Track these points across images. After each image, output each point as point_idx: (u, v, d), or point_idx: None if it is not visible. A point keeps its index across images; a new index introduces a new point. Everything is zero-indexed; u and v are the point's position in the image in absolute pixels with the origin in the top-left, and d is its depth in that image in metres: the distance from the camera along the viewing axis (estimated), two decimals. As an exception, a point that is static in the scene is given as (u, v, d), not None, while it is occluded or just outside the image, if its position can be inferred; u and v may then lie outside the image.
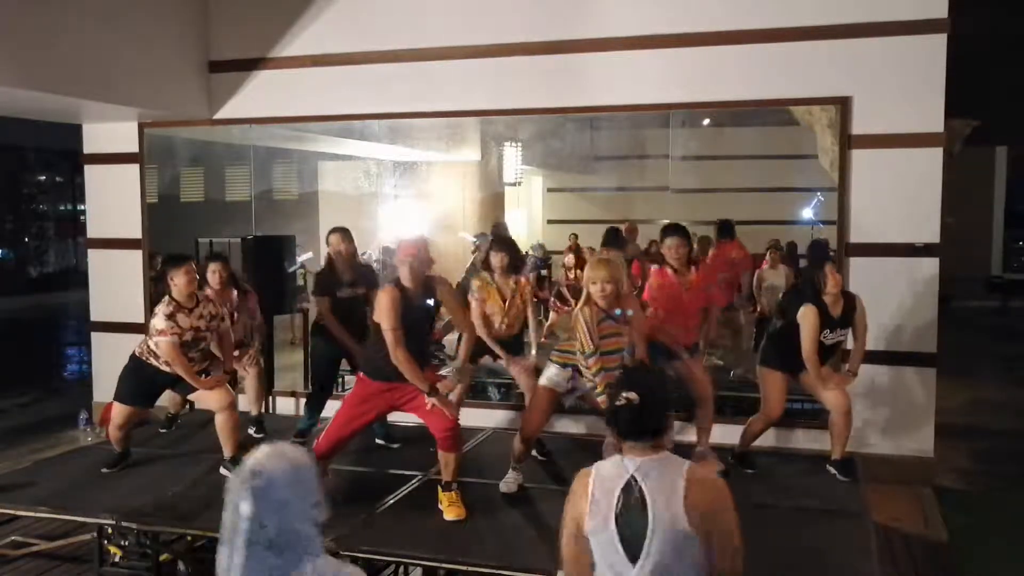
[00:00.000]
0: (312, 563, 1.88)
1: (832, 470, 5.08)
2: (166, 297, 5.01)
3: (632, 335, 4.56)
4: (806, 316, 4.90)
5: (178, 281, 4.93)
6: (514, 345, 5.50)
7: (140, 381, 5.08)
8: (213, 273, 5.74)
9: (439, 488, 4.49)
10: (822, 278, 4.91)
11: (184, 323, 4.94)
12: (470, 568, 3.93)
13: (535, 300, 5.67)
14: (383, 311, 4.33)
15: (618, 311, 4.47)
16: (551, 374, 4.63)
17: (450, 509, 4.39)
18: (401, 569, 4.50)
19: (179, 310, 4.94)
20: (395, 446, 5.70)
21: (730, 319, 7.75)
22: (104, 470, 5.22)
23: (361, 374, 4.62)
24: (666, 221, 5.67)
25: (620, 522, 2.32)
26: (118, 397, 5.12)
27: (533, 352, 5.57)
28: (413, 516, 4.43)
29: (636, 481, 2.33)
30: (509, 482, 4.75)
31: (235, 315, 5.84)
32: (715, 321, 5.58)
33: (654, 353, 4.83)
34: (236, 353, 5.69)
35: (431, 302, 4.53)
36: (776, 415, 5.16)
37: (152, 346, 5.03)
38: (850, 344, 5.15)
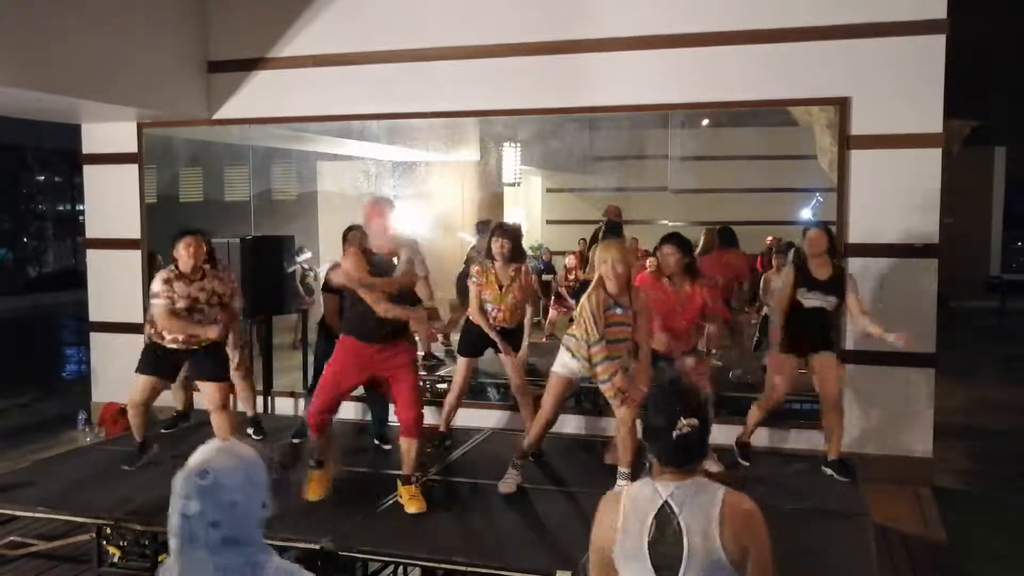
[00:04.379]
0: (270, 559, 1.83)
1: (828, 471, 5.08)
2: (171, 265, 5.10)
3: (636, 332, 4.54)
4: (785, 274, 5.08)
5: (178, 253, 5.01)
6: (513, 338, 5.48)
7: (158, 355, 5.18)
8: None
9: (398, 482, 4.49)
10: (805, 242, 5.04)
11: (181, 291, 4.99)
12: (468, 568, 3.93)
13: (537, 297, 5.65)
14: (351, 275, 4.35)
15: (619, 309, 4.46)
16: (564, 360, 4.63)
17: (411, 502, 4.41)
18: (400, 569, 4.50)
19: (179, 278, 5.01)
20: (390, 447, 5.70)
21: (728, 322, 7.73)
22: (124, 467, 5.26)
23: (344, 338, 4.63)
24: (665, 221, 5.67)
25: (653, 551, 2.19)
26: (139, 368, 5.20)
27: (525, 344, 5.57)
28: (411, 516, 4.42)
29: (671, 509, 2.20)
30: (508, 481, 4.75)
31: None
32: (717, 334, 5.49)
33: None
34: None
35: (395, 260, 4.54)
36: (779, 394, 5.15)
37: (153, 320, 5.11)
38: (849, 328, 5.27)
